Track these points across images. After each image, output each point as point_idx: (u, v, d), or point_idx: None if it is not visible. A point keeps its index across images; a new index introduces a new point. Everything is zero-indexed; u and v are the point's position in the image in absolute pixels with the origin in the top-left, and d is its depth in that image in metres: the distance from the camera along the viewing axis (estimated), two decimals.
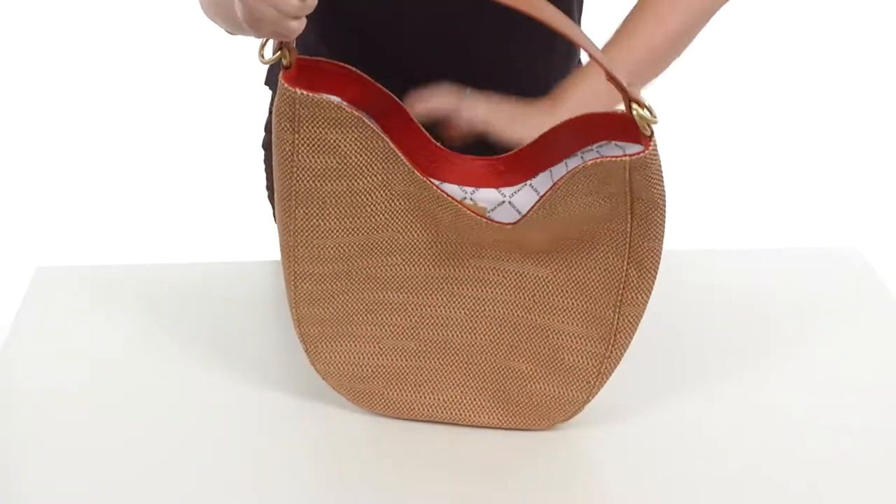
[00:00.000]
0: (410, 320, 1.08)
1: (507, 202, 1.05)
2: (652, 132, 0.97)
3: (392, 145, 1.02)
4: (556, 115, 1.09)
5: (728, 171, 2.86)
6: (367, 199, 1.04)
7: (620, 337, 1.05)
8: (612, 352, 1.06)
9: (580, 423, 1.10)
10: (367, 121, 1.02)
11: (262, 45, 1.02)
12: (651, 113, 0.96)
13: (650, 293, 1.04)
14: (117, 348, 1.23)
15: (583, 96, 1.11)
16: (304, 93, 1.01)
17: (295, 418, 1.13)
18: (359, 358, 1.10)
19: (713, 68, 3.14)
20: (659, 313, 1.26)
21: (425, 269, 1.07)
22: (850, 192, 2.80)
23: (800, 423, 1.12)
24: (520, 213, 1.05)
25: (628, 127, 0.99)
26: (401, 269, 1.07)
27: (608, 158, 0.97)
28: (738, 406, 1.14)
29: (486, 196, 1.06)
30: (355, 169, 1.03)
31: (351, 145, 1.02)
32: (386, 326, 1.09)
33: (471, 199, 1.05)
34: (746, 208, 2.75)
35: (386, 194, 1.04)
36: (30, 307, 1.30)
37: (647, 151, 0.97)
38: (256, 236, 1.60)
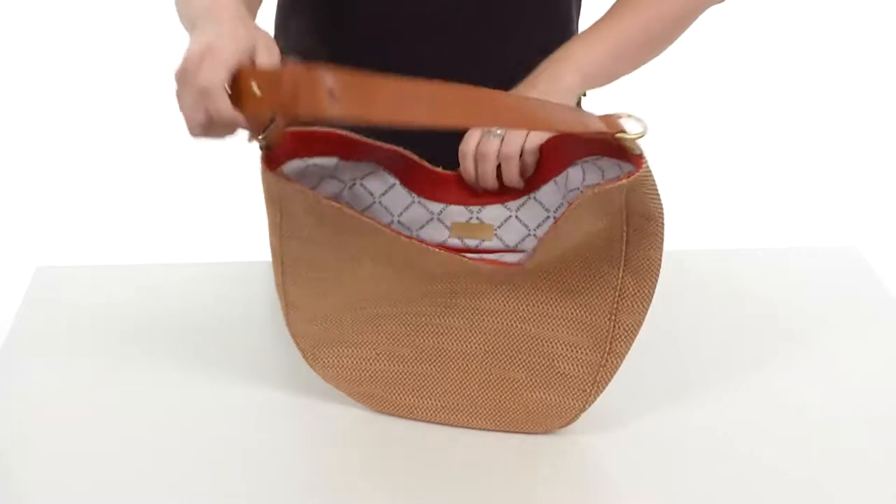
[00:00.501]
0: (406, 328, 1.09)
1: (514, 216, 1.06)
2: (641, 151, 0.97)
3: (374, 222, 1.00)
4: (559, 81, 1.08)
5: (728, 171, 2.86)
6: (355, 263, 1.05)
7: (616, 345, 1.05)
8: (607, 360, 1.05)
9: (578, 423, 1.10)
10: (345, 208, 1.00)
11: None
12: (641, 124, 0.96)
13: (649, 302, 1.03)
14: (117, 348, 1.23)
15: (582, 64, 1.10)
16: (279, 180, 1.00)
17: (295, 417, 1.13)
18: (355, 362, 1.11)
19: (714, 69, 3.14)
20: (658, 313, 1.26)
21: (417, 287, 1.07)
22: (850, 192, 2.80)
23: (800, 424, 1.12)
24: (526, 226, 1.05)
25: (619, 148, 0.99)
26: (391, 290, 1.07)
27: (606, 187, 0.96)
28: (737, 406, 1.14)
29: (492, 213, 1.06)
30: (338, 241, 1.04)
31: (331, 225, 1.03)
32: (382, 334, 1.09)
33: (477, 217, 1.05)
34: (747, 208, 2.75)
35: (372, 259, 1.04)
36: (30, 307, 1.30)
37: (640, 171, 0.96)
38: (256, 236, 1.60)
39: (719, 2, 1.21)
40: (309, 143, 1.03)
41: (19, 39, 3.29)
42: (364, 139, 1.04)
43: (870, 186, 2.82)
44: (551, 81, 1.09)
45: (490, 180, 1.06)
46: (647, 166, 0.96)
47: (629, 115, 0.98)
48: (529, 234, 1.06)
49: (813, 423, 1.12)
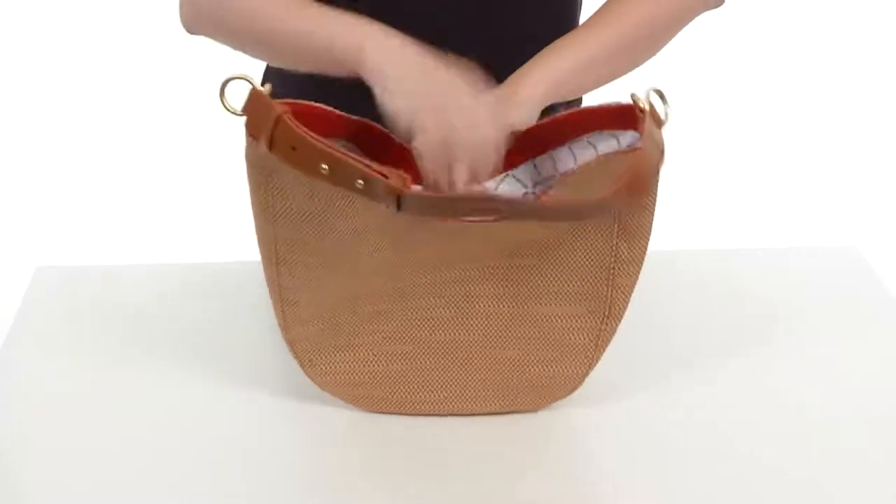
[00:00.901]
0: (401, 325, 1.09)
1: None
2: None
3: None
4: (520, 94, 1.09)
5: (728, 171, 2.86)
6: (348, 240, 1.05)
7: (615, 309, 1.06)
8: (607, 324, 1.07)
9: (580, 426, 1.10)
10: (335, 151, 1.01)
11: (222, 92, 1.02)
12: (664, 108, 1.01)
13: (642, 262, 1.05)
14: (117, 348, 1.23)
15: (550, 73, 1.10)
16: (268, 152, 1.01)
17: (296, 417, 1.13)
18: (354, 366, 1.10)
19: (714, 68, 3.14)
20: (657, 313, 1.26)
21: (411, 279, 1.06)
22: (850, 192, 2.80)
23: (800, 423, 1.12)
24: None
25: (621, 115, 1.02)
26: (386, 283, 1.07)
27: (627, 151, 1.00)
28: (736, 406, 1.14)
29: None
30: (331, 214, 1.04)
31: (322, 194, 1.03)
32: (377, 334, 1.09)
33: None
34: (747, 208, 2.75)
35: (365, 233, 1.04)
36: (30, 307, 1.30)
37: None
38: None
39: (713, 7, 1.21)
40: (298, 117, 1.02)
41: (19, 39, 3.29)
42: (336, 111, 1.04)
43: (870, 186, 2.82)
44: (512, 96, 1.07)
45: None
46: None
47: (656, 91, 1.02)
48: None
49: (813, 422, 1.12)
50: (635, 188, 0.99)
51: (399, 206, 0.97)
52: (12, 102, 3.09)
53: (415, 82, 1.01)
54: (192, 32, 1.18)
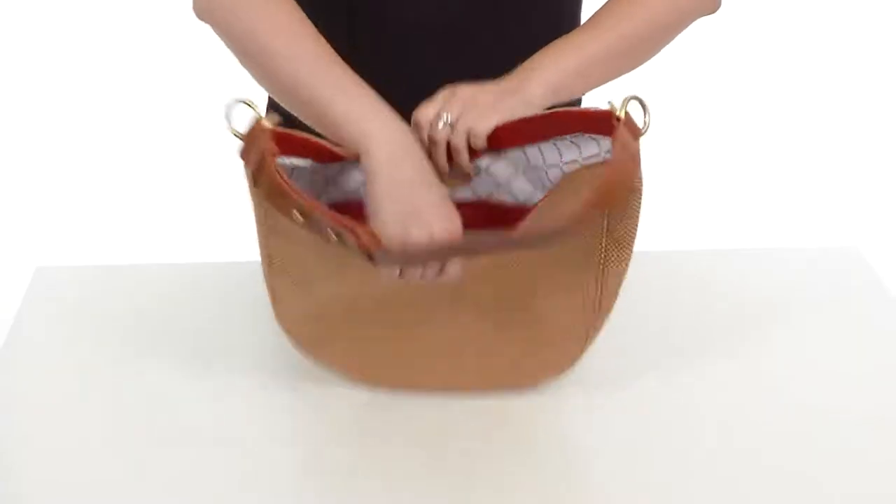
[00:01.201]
0: (392, 314, 1.10)
1: (484, 172, 1.10)
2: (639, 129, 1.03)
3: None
4: (524, 92, 1.09)
5: (728, 171, 2.86)
6: (341, 260, 1.06)
7: (604, 303, 1.08)
8: (596, 318, 1.09)
9: (578, 427, 1.10)
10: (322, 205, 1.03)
11: (227, 114, 1.03)
12: (645, 115, 1.02)
13: (629, 261, 1.06)
14: (117, 348, 1.23)
15: (551, 75, 1.11)
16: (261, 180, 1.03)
17: (296, 417, 1.14)
18: (348, 360, 1.13)
19: (714, 68, 3.14)
20: (657, 313, 1.26)
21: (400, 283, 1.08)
22: (850, 192, 2.80)
23: (799, 423, 1.12)
24: (497, 181, 1.10)
25: (599, 121, 1.04)
26: (374, 286, 1.08)
27: (602, 162, 1.01)
28: (737, 406, 1.14)
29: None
30: (318, 239, 1.04)
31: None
32: (373, 324, 1.11)
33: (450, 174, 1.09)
34: (746, 208, 2.75)
35: (357, 259, 1.05)
36: (30, 307, 1.30)
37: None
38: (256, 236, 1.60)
39: (709, 13, 1.21)
40: (287, 144, 1.05)
41: (19, 39, 3.29)
42: (337, 148, 1.06)
43: (870, 186, 2.82)
44: (517, 92, 1.09)
45: (442, 163, 1.08)
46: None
47: (634, 98, 1.03)
48: (500, 186, 1.11)
49: (812, 422, 1.12)
50: (606, 203, 1.01)
51: (371, 261, 1.01)
52: (12, 102, 3.10)
53: (403, 192, 1.03)
54: (201, 20, 1.18)
